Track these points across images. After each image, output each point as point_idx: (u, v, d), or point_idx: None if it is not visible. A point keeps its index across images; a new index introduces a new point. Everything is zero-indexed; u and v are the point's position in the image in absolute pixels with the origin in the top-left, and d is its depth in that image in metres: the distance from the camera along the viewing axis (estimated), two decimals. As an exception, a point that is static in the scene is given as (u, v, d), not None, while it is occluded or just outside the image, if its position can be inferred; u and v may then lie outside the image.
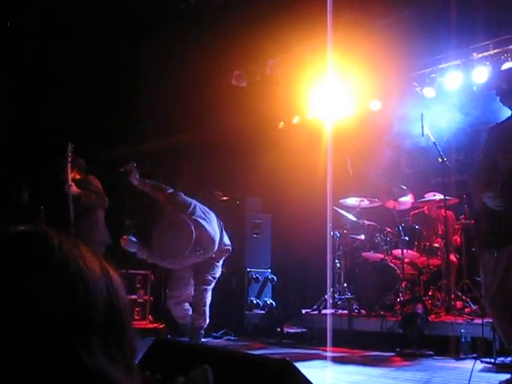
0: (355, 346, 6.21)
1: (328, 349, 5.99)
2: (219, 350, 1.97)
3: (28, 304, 0.76)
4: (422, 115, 6.96)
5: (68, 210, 6.15)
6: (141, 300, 7.93)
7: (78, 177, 6.49)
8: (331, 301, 7.19)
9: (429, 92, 8.54)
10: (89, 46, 8.41)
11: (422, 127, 6.90)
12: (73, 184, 6.24)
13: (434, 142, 6.81)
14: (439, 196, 7.03)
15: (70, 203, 6.16)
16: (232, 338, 7.04)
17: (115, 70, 8.84)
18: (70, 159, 6.24)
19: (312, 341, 6.63)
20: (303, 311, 7.08)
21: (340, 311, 7.03)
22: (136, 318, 7.71)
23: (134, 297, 7.81)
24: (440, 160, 6.71)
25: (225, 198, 8.12)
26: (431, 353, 5.59)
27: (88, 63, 8.65)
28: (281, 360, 1.77)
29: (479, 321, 5.84)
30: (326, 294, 7.22)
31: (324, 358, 5.63)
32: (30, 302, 0.76)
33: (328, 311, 6.98)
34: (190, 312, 6.18)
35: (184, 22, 8.56)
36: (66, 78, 8.71)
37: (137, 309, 7.81)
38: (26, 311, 0.75)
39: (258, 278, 7.75)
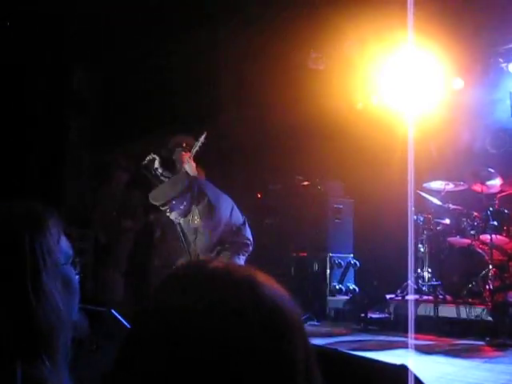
0: (441, 333, 6.10)
1: (414, 336, 5.90)
2: (331, 351, 1.95)
3: (240, 353, 0.75)
4: (510, 94, 6.70)
5: None
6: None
7: None
8: (415, 287, 7.07)
9: (515, 68, 8.17)
10: (166, 34, 8.51)
11: (511, 107, 6.65)
12: None
13: (525, 123, 6.55)
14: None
15: None
16: (315, 323, 7.05)
17: (193, 56, 8.92)
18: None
19: (396, 327, 6.54)
20: (387, 297, 7.01)
21: (425, 297, 6.91)
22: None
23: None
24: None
25: (306, 183, 8.10)
26: (523, 342, 5.42)
27: (167, 50, 8.77)
28: (399, 366, 1.76)
29: None
30: (410, 279, 7.11)
31: (411, 346, 5.55)
32: (242, 352, 0.76)
33: (411, 297, 6.87)
34: None
35: (260, 5, 8.51)
36: (147, 64, 8.87)
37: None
38: (237, 361, 0.74)
39: (340, 263, 7.70)
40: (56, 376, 1.24)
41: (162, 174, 5.40)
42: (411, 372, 1.79)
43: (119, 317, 3.24)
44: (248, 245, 5.28)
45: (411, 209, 7.12)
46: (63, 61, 8.72)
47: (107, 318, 3.21)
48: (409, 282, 7.06)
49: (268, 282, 0.84)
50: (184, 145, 5.54)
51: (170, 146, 5.66)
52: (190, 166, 5.16)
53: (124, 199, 6.80)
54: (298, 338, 0.80)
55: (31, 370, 1.18)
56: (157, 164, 5.41)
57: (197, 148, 5.29)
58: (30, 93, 8.33)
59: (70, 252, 1.33)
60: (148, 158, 5.45)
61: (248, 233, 5.30)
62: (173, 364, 0.75)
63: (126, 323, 3.23)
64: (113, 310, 3.25)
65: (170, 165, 5.79)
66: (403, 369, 1.76)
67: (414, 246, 7.33)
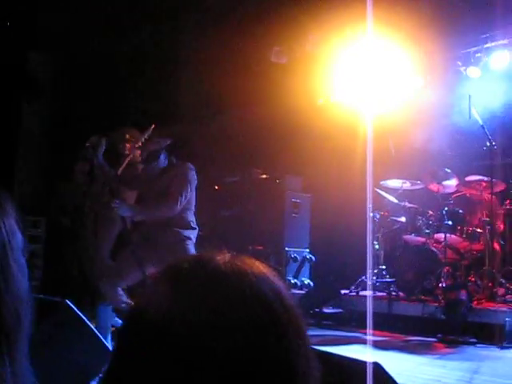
0: (395, 329, 6.15)
1: (368, 332, 5.95)
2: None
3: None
4: (469, 97, 6.82)
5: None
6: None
7: None
8: (370, 283, 7.13)
9: (473, 72, 8.32)
10: (125, 24, 8.34)
11: (470, 109, 6.76)
12: None
13: (482, 125, 6.66)
14: (484, 179, 6.87)
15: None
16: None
17: (152, 49, 8.77)
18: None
19: (351, 323, 6.58)
20: (342, 292, 7.04)
21: (379, 294, 6.98)
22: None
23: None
24: (488, 143, 6.57)
25: (264, 176, 8.08)
26: (474, 340, 5.52)
27: (125, 42, 8.58)
28: (371, 363, 1.73)
29: (524, 309, 5.80)
30: (365, 275, 7.18)
31: (365, 342, 5.58)
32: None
33: (368, 293, 6.93)
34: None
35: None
36: (106, 55, 8.65)
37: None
38: None
39: (296, 257, 7.70)
40: (16, 376, 1.14)
41: (100, 164, 5.15)
42: (384, 369, 1.77)
43: (74, 307, 3.13)
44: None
45: (369, 206, 7.17)
46: (17, 42, 8.41)
47: (61, 307, 3.09)
48: (365, 278, 7.14)
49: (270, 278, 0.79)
50: (127, 137, 5.55)
51: (114, 137, 5.55)
52: (133, 157, 5.12)
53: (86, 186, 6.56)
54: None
55: None
56: (100, 150, 5.16)
57: (142, 140, 5.16)
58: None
59: (21, 237, 1.25)
60: (95, 140, 5.17)
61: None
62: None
63: (80, 313, 3.13)
64: (67, 300, 3.13)
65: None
66: (376, 366, 1.73)
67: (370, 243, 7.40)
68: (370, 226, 7.08)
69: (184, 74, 9.36)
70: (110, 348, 3.13)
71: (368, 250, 6.93)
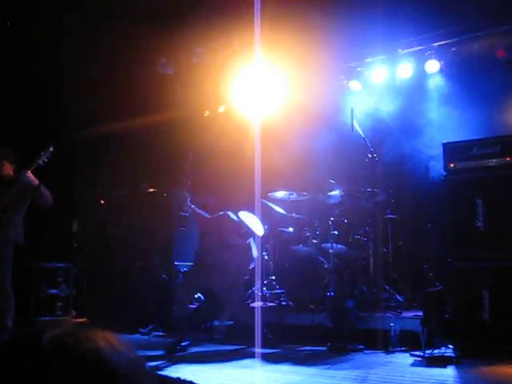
0: (286, 340, 6.18)
1: (259, 345, 5.95)
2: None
3: None
4: (352, 111, 7.03)
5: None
6: (63, 294, 7.61)
7: None
8: (260, 294, 7.15)
9: (355, 85, 8.65)
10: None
11: (352, 122, 6.96)
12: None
13: (364, 138, 6.90)
14: (369, 189, 7.11)
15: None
16: (161, 333, 6.87)
17: (36, 61, 8.37)
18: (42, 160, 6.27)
19: (241, 335, 6.54)
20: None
21: (269, 304, 7.00)
22: (58, 313, 7.43)
23: (55, 291, 7.52)
24: (370, 155, 6.80)
25: (151, 190, 7.91)
26: (362, 347, 5.67)
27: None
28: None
29: (407, 314, 6.05)
30: (255, 287, 7.19)
31: (256, 355, 5.57)
32: None
33: (257, 304, 6.92)
34: None
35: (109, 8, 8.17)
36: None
37: (59, 304, 7.51)
38: None
39: (185, 271, 7.57)
40: None
41: None
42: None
43: None
44: None
45: (259, 216, 7.20)
46: None
47: None
48: (256, 289, 7.14)
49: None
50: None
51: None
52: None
53: None
54: None
55: None
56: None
57: (44, 159, 6.23)
58: None
59: None
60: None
61: None
62: None
63: None
64: None
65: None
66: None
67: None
68: (259, 238, 7.12)
69: (67, 84, 8.97)
70: None
71: (257, 262, 6.96)
